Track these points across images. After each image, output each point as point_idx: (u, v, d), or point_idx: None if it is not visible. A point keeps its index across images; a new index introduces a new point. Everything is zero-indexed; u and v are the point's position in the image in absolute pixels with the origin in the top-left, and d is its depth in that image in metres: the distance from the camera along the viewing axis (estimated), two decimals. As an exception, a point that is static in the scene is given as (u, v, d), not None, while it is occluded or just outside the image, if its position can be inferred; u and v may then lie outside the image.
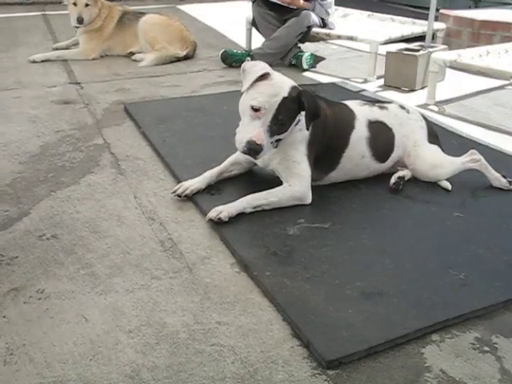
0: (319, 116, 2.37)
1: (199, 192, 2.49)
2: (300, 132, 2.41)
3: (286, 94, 2.28)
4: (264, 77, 2.30)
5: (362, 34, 4.69)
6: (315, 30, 4.80)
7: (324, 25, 4.89)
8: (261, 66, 2.34)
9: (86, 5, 4.80)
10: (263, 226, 2.25)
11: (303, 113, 2.34)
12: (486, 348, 1.66)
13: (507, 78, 3.83)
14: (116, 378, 1.53)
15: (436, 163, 2.61)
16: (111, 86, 4.22)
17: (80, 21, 4.80)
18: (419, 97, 4.09)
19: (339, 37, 4.88)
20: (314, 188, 2.44)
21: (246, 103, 2.29)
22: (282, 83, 2.32)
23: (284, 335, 1.70)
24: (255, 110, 2.25)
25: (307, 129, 2.34)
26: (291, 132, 2.39)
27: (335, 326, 1.70)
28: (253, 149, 2.24)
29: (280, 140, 2.39)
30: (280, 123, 2.28)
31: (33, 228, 2.26)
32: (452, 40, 5.42)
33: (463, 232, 2.26)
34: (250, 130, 2.25)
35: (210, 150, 2.95)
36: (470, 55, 4.02)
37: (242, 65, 2.39)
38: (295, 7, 4.73)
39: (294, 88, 2.33)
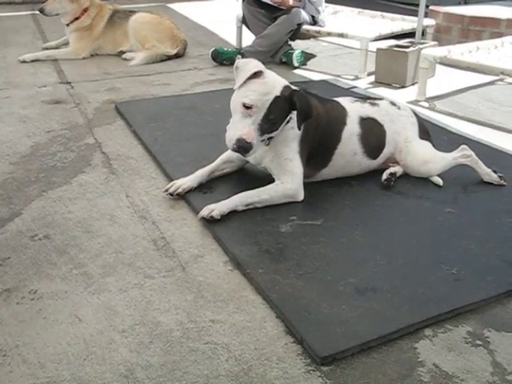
0: (311, 116, 2.37)
1: (191, 190, 2.48)
2: (292, 130, 2.40)
3: (278, 93, 2.28)
4: (257, 75, 2.30)
5: (353, 31, 4.69)
6: (305, 27, 4.80)
7: (314, 22, 4.89)
8: (254, 64, 2.34)
9: None
10: (255, 223, 2.26)
11: (295, 112, 2.34)
12: (478, 342, 1.67)
13: (497, 73, 3.86)
14: (110, 378, 1.53)
15: (427, 159, 2.62)
16: (102, 85, 4.21)
17: (41, 10, 4.85)
18: (410, 93, 4.10)
19: (329, 34, 4.89)
20: (305, 185, 2.45)
21: (238, 100, 2.28)
22: (275, 82, 2.32)
23: (278, 332, 1.70)
24: (247, 107, 2.25)
25: (299, 129, 2.34)
26: (283, 130, 2.39)
27: (328, 323, 1.70)
28: (242, 147, 2.24)
29: (272, 138, 2.39)
30: (271, 122, 2.28)
31: (25, 228, 2.26)
32: (442, 36, 5.44)
33: (455, 227, 2.27)
34: (241, 127, 2.25)
35: (202, 148, 2.95)
36: (459, 51, 4.03)
37: (236, 62, 2.39)
38: (285, 7, 4.73)
39: (286, 87, 2.33)
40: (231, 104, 2.34)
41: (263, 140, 2.35)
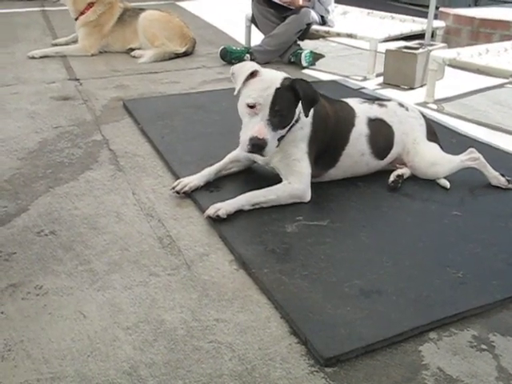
0: (317, 101, 2.35)
1: (198, 189, 2.49)
2: (301, 130, 2.41)
3: (278, 85, 2.27)
4: (254, 74, 2.31)
5: (362, 32, 4.68)
6: (315, 27, 4.79)
7: (323, 22, 4.88)
8: (249, 66, 2.35)
9: None
10: (261, 223, 2.25)
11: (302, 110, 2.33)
12: (483, 346, 1.67)
13: (506, 76, 3.83)
14: (114, 375, 1.53)
15: (435, 161, 2.61)
16: (110, 82, 4.22)
17: None
18: (418, 95, 4.09)
19: (339, 34, 4.88)
20: (312, 185, 2.44)
21: (242, 103, 2.30)
22: (273, 77, 2.33)
23: (282, 332, 1.70)
24: (251, 107, 2.26)
25: (306, 116, 2.33)
26: (292, 130, 2.39)
27: (333, 324, 1.70)
28: (256, 144, 2.24)
29: (282, 137, 2.38)
30: (279, 114, 2.27)
31: (31, 224, 2.26)
32: (451, 38, 5.42)
33: (461, 230, 2.26)
34: (251, 127, 2.26)
35: (209, 146, 2.95)
36: (469, 53, 4.02)
37: (231, 68, 2.40)
38: (294, 7, 4.72)
39: (286, 79, 2.32)
40: (238, 110, 2.35)
41: (279, 139, 2.33)
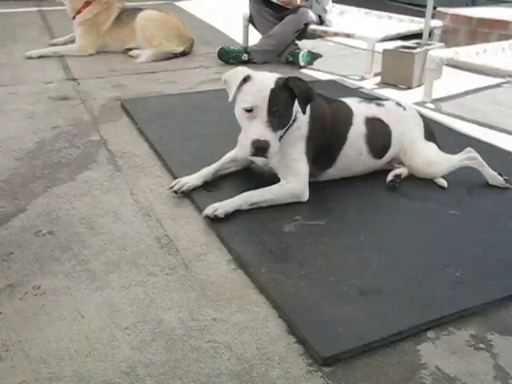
0: (313, 98, 2.36)
1: (196, 189, 2.48)
2: (298, 130, 2.41)
3: (272, 86, 2.28)
4: (246, 79, 2.31)
5: (359, 32, 4.68)
6: (312, 27, 4.80)
7: (321, 22, 4.88)
8: (241, 71, 2.35)
9: None
10: (259, 222, 2.25)
11: (300, 111, 2.33)
12: (481, 345, 1.67)
13: (504, 76, 3.85)
14: (112, 375, 1.53)
15: (432, 160, 2.62)
16: (108, 82, 4.21)
17: None
18: (416, 94, 4.09)
19: (336, 34, 4.89)
20: (310, 185, 2.44)
21: (239, 108, 2.31)
22: (266, 78, 2.33)
23: (280, 332, 1.70)
24: (248, 111, 2.26)
25: (303, 113, 2.32)
26: (290, 131, 2.39)
27: (331, 323, 1.70)
28: (259, 147, 2.23)
29: (280, 138, 2.38)
30: (278, 115, 2.27)
31: (29, 224, 2.26)
32: (449, 38, 5.42)
33: (460, 230, 2.26)
34: (251, 131, 2.26)
35: (207, 146, 2.95)
36: (466, 53, 4.02)
37: (223, 77, 2.41)
38: (292, 7, 4.73)
39: (279, 78, 2.33)
40: (236, 116, 2.36)
41: (280, 138, 2.33)
